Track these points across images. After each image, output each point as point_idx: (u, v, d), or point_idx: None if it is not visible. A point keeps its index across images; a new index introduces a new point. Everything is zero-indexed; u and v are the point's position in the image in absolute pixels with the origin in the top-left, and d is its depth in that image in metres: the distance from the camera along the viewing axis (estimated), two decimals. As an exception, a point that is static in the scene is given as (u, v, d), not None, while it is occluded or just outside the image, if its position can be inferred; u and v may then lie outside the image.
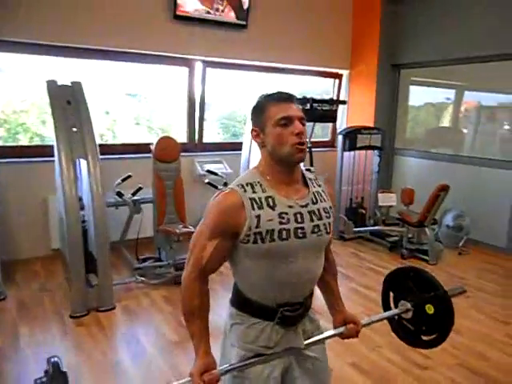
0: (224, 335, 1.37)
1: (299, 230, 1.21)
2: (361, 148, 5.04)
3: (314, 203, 1.27)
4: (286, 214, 1.20)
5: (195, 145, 4.97)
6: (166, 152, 3.77)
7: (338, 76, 5.90)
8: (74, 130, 3.17)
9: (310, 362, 1.33)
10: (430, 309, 1.48)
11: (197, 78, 4.84)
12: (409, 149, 5.73)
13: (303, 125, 1.24)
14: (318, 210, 1.28)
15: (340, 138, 5.02)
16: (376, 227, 4.95)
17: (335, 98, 5.77)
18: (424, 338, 1.53)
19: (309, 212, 1.25)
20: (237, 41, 4.79)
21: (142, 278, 3.63)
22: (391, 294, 1.62)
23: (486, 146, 6.60)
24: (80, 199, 3.21)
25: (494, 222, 4.64)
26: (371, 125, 5.38)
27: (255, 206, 1.18)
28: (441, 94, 6.29)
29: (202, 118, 4.94)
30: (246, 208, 1.17)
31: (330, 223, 1.30)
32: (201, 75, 4.82)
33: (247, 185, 1.22)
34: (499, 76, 5.07)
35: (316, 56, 5.41)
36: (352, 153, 5.14)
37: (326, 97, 4.87)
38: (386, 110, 5.67)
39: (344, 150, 5.00)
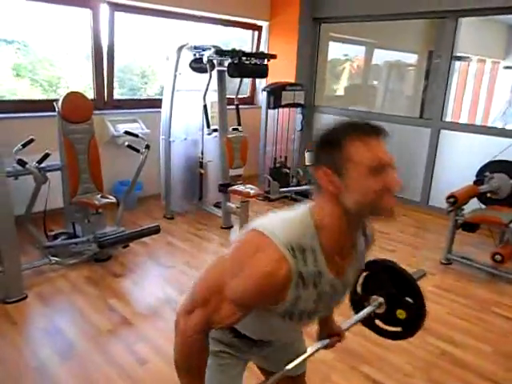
0: None
1: (328, 305, 1.06)
2: (285, 105, 4.89)
3: (352, 267, 1.04)
4: (325, 292, 0.97)
5: (105, 102, 4.36)
6: (76, 110, 3.20)
7: (258, 28, 5.58)
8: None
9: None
10: (401, 314, 1.43)
11: (103, 22, 4.16)
12: (328, 106, 5.72)
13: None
14: (352, 274, 1.06)
15: (264, 94, 4.80)
16: (303, 187, 4.92)
17: (255, 50, 5.48)
18: (392, 329, 1.50)
19: (343, 285, 1.03)
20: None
21: (56, 259, 3.14)
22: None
23: (394, 102, 6.94)
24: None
25: (410, 178, 4.89)
26: (292, 81, 5.23)
27: (300, 285, 0.91)
28: (357, 51, 6.35)
29: (111, 71, 4.32)
30: (291, 285, 0.89)
31: (355, 272, 1.11)
32: (108, 20, 4.16)
33: (299, 249, 0.88)
34: (408, 35, 5.21)
35: (233, 4, 5.00)
36: (275, 110, 4.96)
37: (244, 49, 4.55)
38: (306, 65, 5.54)
39: (269, 107, 4.80)
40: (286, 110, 5.10)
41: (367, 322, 1.50)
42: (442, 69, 4.59)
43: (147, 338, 2.44)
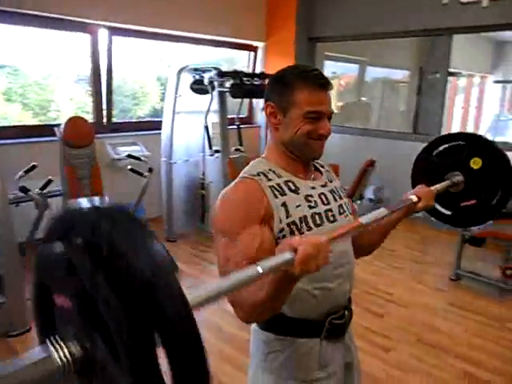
0: (255, 368, 1.12)
1: (329, 213, 1.09)
2: (285, 124, 4.88)
3: (330, 181, 1.17)
4: (312, 196, 1.08)
5: (104, 125, 4.32)
6: (78, 135, 3.17)
7: (254, 48, 5.63)
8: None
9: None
10: (476, 163, 1.34)
11: (102, 46, 4.15)
12: (326, 124, 5.73)
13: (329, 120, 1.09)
14: (336, 188, 1.17)
15: (263, 114, 4.78)
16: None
17: (251, 71, 5.51)
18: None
19: (330, 191, 1.13)
20: (145, 6, 4.20)
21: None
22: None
23: (389, 119, 7.00)
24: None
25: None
26: (290, 100, 5.24)
27: (277, 193, 1.03)
28: (348, 69, 6.44)
29: (110, 94, 4.30)
30: (268, 196, 1.01)
31: (347, 202, 1.19)
32: (107, 44, 4.15)
33: (258, 174, 1.05)
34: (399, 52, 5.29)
35: (229, 26, 5.04)
36: (275, 129, 4.95)
37: (240, 69, 4.57)
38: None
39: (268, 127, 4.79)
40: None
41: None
42: (439, 84, 4.64)
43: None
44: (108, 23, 4.08)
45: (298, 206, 1.03)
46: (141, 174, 3.40)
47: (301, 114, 1.02)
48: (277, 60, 5.50)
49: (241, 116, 4.54)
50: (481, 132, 8.90)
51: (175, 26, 4.55)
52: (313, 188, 1.09)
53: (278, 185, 1.04)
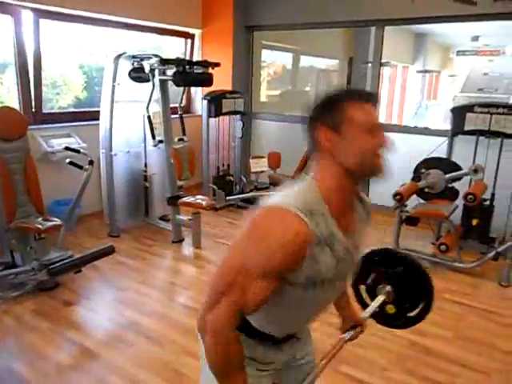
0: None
1: (342, 272, 1.03)
2: (226, 113, 4.86)
3: (357, 232, 1.07)
4: (341, 258, 0.99)
5: (34, 116, 4.00)
6: (10, 127, 2.90)
7: (190, 36, 5.49)
8: None
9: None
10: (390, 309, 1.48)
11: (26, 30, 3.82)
12: (265, 112, 5.79)
13: None
14: (359, 238, 1.08)
15: (205, 103, 4.73)
16: (249, 194, 4.92)
17: (188, 58, 5.38)
18: (410, 314, 1.51)
19: (354, 247, 1.05)
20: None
21: (-5, 293, 2.81)
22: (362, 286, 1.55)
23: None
24: None
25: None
26: (229, 88, 5.22)
27: (318, 246, 0.92)
28: (288, 58, 6.54)
29: (39, 82, 3.98)
30: (312, 245, 0.91)
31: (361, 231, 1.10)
32: (32, 27, 3.83)
33: (311, 214, 0.91)
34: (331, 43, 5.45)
35: (163, 12, 4.87)
36: (215, 118, 4.92)
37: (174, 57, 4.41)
38: (242, 73, 5.57)
39: (210, 116, 4.74)
40: (226, 117, 5.07)
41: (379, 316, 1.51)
42: (373, 74, 4.86)
43: (118, 367, 2.27)
44: (32, 4, 3.75)
45: (326, 267, 0.95)
46: (81, 168, 3.21)
47: (360, 130, 0.95)
48: (214, 48, 5.43)
49: (175, 105, 4.40)
50: (405, 119, 9.53)
51: (110, 10, 4.31)
52: (345, 249, 1.00)
53: (322, 239, 0.93)
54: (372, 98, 1.00)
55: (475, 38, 8.06)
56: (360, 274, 1.53)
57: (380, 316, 1.52)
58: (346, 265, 1.02)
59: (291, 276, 0.92)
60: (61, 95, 4.78)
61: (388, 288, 1.47)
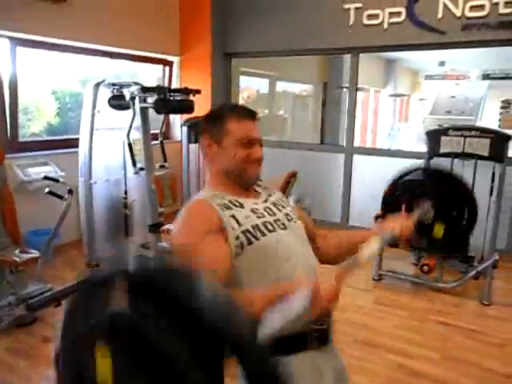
0: None
1: (278, 222, 1.20)
2: (206, 139, 4.86)
3: (269, 196, 1.30)
4: (257, 209, 1.19)
5: (9, 144, 3.91)
6: (-15, 157, 2.83)
7: (169, 63, 5.54)
8: None
9: None
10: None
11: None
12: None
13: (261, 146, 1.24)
14: (277, 199, 1.30)
15: (184, 129, 4.72)
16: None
17: (166, 85, 5.41)
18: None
19: (272, 204, 1.26)
20: (55, 16, 3.92)
21: (-32, 331, 2.67)
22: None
23: (302, 130, 7.35)
24: None
25: (329, 200, 5.17)
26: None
27: (224, 208, 1.13)
28: (264, 84, 6.66)
29: (15, 111, 3.92)
30: (217, 211, 1.12)
31: (292, 209, 1.31)
32: (9, 56, 3.79)
33: (211, 196, 1.17)
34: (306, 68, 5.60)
35: (141, 39, 4.90)
36: (196, 144, 4.91)
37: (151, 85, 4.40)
38: (221, 99, 5.62)
39: (190, 142, 4.74)
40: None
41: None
42: (349, 99, 5.00)
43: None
44: (8, 33, 3.72)
45: (247, 217, 1.14)
46: (61, 198, 3.13)
47: (234, 141, 1.17)
48: (193, 74, 5.48)
49: (155, 131, 4.36)
50: (379, 141, 9.78)
51: (88, 38, 4.32)
52: (255, 204, 1.21)
53: (224, 203, 1.14)
54: (251, 115, 1.21)
55: (442, 63, 8.43)
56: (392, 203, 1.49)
57: (432, 245, 1.46)
58: (273, 215, 1.20)
59: (230, 233, 1.09)
60: (32, 121, 4.70)
61: (427, 204, 1.48)
